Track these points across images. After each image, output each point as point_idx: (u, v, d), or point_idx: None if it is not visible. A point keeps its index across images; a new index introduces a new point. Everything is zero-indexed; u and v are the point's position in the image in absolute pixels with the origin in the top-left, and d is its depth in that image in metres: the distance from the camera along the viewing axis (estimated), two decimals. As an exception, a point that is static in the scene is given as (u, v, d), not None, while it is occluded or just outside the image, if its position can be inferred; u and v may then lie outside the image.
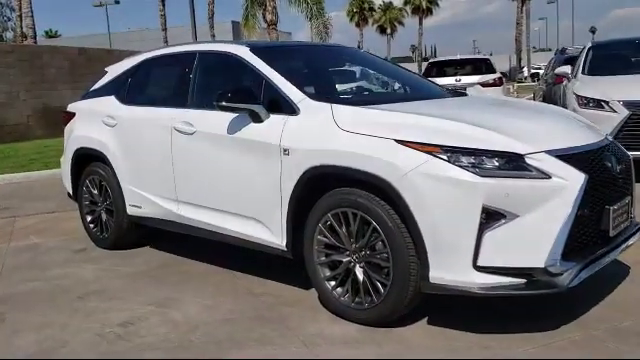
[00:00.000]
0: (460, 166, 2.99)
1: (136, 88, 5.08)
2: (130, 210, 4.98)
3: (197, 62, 4.50)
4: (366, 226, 3.33)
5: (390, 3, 62.91)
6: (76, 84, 17.93)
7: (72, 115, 5.64)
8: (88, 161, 5.40)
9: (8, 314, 3.95)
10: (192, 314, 3.80)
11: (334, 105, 3.58)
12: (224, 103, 3.80)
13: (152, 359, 3.24)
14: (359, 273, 3.41)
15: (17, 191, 9.10)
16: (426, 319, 3.46)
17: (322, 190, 3.52)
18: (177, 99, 4.55)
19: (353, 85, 4.93)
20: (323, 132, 3.50)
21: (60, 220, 6.78)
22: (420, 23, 60.96)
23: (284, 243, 3.76)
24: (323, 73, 4.67)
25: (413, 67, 53.41)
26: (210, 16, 42.06)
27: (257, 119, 3.82)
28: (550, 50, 73.60)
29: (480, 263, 2.98)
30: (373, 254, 3.34)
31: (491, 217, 2.96)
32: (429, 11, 60.72)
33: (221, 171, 4.09)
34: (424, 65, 19.48)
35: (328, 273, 3.57)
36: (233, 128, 3.96)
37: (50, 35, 66.90)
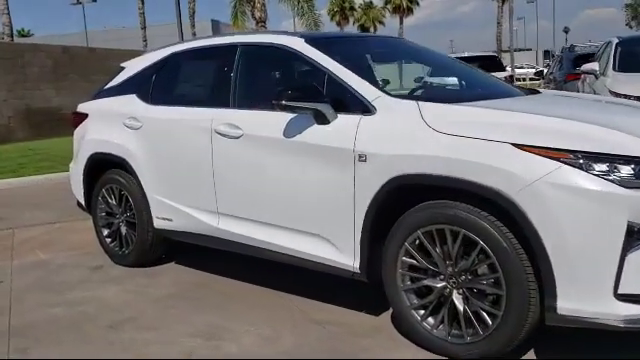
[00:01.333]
0: (597, 175, 2.51)
1: (163, 86, 4.51)
2: (157, 223, 4.41)
3: (239, 56, 3.95)
4: (469, 246, 2.83)
5: (371, 2, 62.61)
6: (60, 83, 17.19)
7: (84, 116, 5.04)
8: (105, 168, 4.82)
9: (32, 349, 3.36)
10: (249, 347, 3.27)
11: (421, 102, 3.07)
12: (286, 102, 3.27)
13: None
14: (458, 301, 2.91)
15: (11, 199, 8.42)
16: (532, 350, 2.99)
17: (409, 203, 3.01)
18: (216, 98, 4.00)
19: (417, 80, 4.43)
20: (410, 134, 2.99)
21: (65, 232, 6.17)
22: (401, 22, 60.67)
23: (357, 264, 3.24)
24: (388, 67, 4.14)
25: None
26: (191, 14, 41.35)
27: (322, 120, 3.30)
28: (530, 50, 73.99)
29: (622, 291, 2.50)
30: (477, 279, 2.85)
31: (634, 235, 2.48)
32: (409, 10, 60.49)
33: (275, 180, 3.56)
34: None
35: (415, 300, 3.06)
36: (291, 130, 3.43)
37: (22, 34, 65.16)
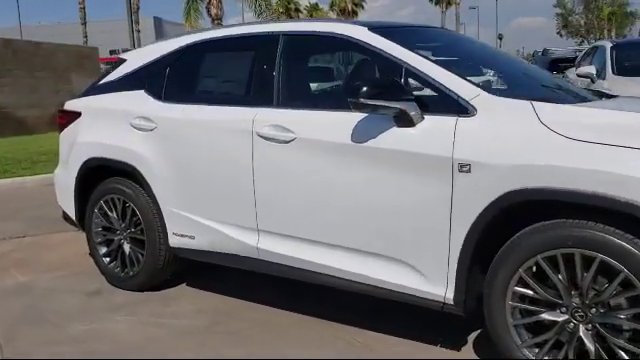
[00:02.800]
0: None
1: (181, 81, 3.87)
2: (174, 241, 3.77)
3: (283, 46, 3.37)
4: (603, 274, 2.38)
5: (316, 4, 62.41)
6: (1, 80, 15.88)
7: (74, 115, 4.32)
8: (103, 175, 4.12)
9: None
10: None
11: (536, 102, 2.60)
12: (365, 100, 2.73)
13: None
14: (587, 338, 2.45)
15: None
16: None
17: (521, 222, 2.53)
18: (254, 95, 3.43)
19: (481, 79, 3.96)
20: (528, 141, 2.52)
21: (39, 247, 5.38)
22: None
23: (449, 294, 2.74)
24: (465, 61, 3.63)
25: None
26: (135, 10, 39.89)
27: (405, 122, 2.78)
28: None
29: None
30: (613, 312, 2.40)
31: None
32: (355, 13, 60.73)
33: (340, 193, 3.01)
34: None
35: (529, 338, 2.58)
36: (362, 134, 2.90)
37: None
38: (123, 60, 4.27)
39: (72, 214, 4.36)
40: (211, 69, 3.89)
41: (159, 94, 3.86)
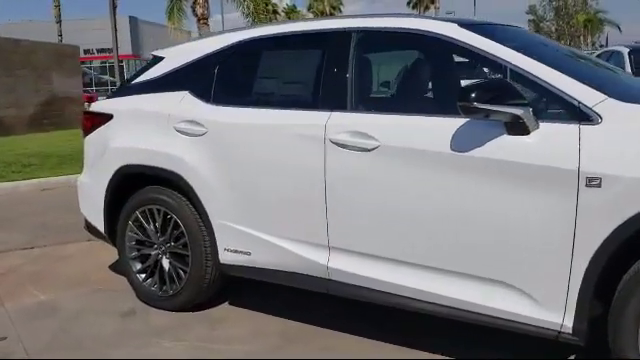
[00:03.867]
0: None
1: (233, 81, 3.52)
2: (226, 257, 3.42)
3: (356, 44, 3.06)
4: None
5: (294, 6, 62.11)
6: (-21, 79, 15.22)
7: (104, 118, 3.93)
8: (140, 184, 3.75)
9: None
10: None
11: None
12: (477, 104, 2.43)
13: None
14: None
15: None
16: None
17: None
18: (324, 98, 3.09)
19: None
20: None
21: (51, 259, 4.96)
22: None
23: (568, 322, 2.46)
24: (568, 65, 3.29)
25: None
26: (112, 9, 39.11)
27: (518, 129, 2.48)
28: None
29: None
30: None
31: None
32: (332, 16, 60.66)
33: (433, 207, 2.71)
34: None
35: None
36: (467, 142, 2.60)
37: None
38: (159, 58, 3.90)
39: (100, 225, 3.97)
40: (269, 69, 3.53)
41: (207, 96, 3.50)
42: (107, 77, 53.33)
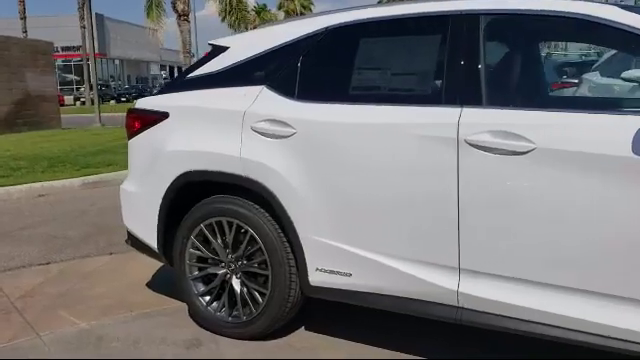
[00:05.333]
0: None
1: (325, 74, 3.04)
2: (317, 278, 2.93)
3: (486, 29, 2.61)
4: None
5: (264, 5, 61.44)
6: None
7: (157, 117, 3.39)
8: (205, 193, 3.24)
9: None
10: None
11: None
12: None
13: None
14: None
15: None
16: None
17: None
18: (449, 91, 2.63)
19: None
20: None
21: (75, 277, 4.39)
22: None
23: None
24: None
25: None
26: (80, 6, 38.07)
27: None
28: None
29: None
30: None
31: None
32: (302, 15, 60.24)
33: (611, 224, 2.27)
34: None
35: None
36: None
37: None
38: (221, 48, 3.38)
39: (152, 240, 3.43)
40: (370, 58, 3.04)
41: (290, 91, 3.01)
42: (72, 76, 51.86)
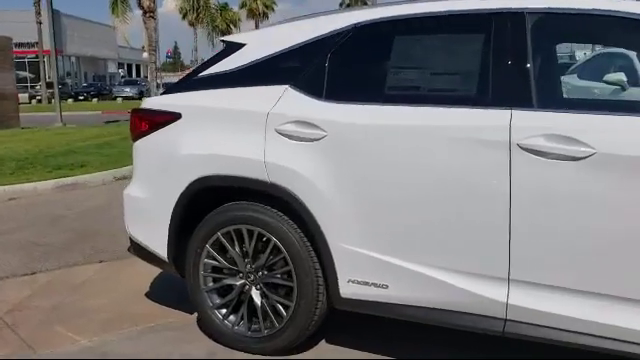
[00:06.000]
0: None
1: (356, 73, 2.87)
2: (350, 290, 2.76)
3: (533, 28, 2.49)
4: None
5: (226, 4, 60.85)
6: None
7: (168, 118, 3.17)
8: (221, 199, 3.04)
9: None
10: None
11: None
12: None
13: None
14: None
15: None
16: None
17: None
18: (497, 92, 2.50)
19: None
20: None
21: (66, 288, 4.11)
22: (256, 26, 59.82)
23: None
24: None
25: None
26: (36, 0, 36.98)
27: None
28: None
29: None
30: None
31: None
32: (265, 15, 59.93)
33: None
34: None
35: None
36: None
37: None
38: (238, 45, 3.18)
39: (161, 250, 3.20)
40: (406, 57, 2.85)
41: (318, 90, 2.83)
42: (26, 73, 50.22)
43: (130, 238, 3.45)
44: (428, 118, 2.58)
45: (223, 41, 3.31)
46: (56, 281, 4.27)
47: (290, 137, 2.81)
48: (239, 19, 58.71)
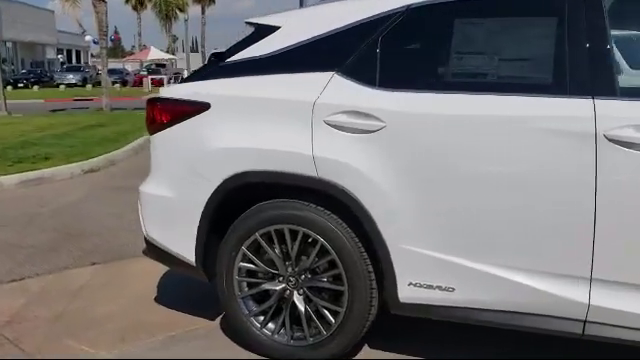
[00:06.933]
0: None
1: (415, 58, 2.66)
2: (411, 294, 2.56)
3: (615, 5, 2.34)
4: None
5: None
6: None
7: (195, 108, 2.87)
8: (256, 198, 2.78)
9: None
10: None
11: None
12: None
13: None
14: None
15: None
16: None
17: None
18: (575, 80, 2.33)
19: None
20: None
21: (63, 294, 3.77)
22: (203, 12, 58.68)
23: None
24: None
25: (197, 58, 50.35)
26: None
27: None
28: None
29: None
30: None
31: None
32: (212, 0, 58.77)
33: None
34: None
35: None
36: None
37: None
38: (271, 28, 2.90)
39: (187, 253, 2.92)
40: (470, 41, 2.61)
41: (371, 78, 2.60)
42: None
43: (147, 240, 3.15)
44: (500, 108, 2.39)
45: (250, 23, 3.03)
46: (50, 287, 3.91)
47: (342, 129, 2.58)
48: (186, 3, 57.08)
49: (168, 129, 2.96)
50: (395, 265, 2.56)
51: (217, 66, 2.99)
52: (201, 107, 2.86)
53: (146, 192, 3.08)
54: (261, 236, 2.77)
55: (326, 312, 2.73)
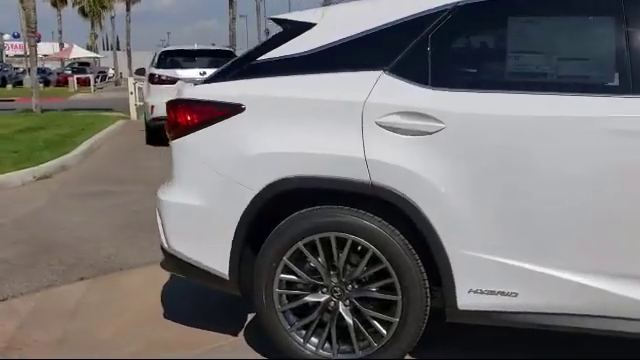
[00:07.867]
0: None
1: (471, 56, 2.57)
2: (471, 301, 2.46)
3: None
4: None
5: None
6: None
7: (226, 110, 2.67)
8: (296, 205, 2.62)
9: None
10: None
11: None
12: None
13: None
14: None
15: None
16: None
17: None
18: (635, 79, 2.31)
19: None
20: None
21: (57, 315, 3.46)
22: (128, 9, 56.74)
23: None
24: None
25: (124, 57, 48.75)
26: None
27: None
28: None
29: None
30: None
31: None
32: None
33: None
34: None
35: None
36: None
37: None
38: (305, 25, 2.73)
39: (220, 266, 2.72)
40: (528, 39, 2.50)
41: (423, 77, 2.49)
42: None
43: (168, 253, 2.91)
44: (566, 108, 2.33)
45: (279, 20, 2.85)
46: (42, 307, 3.58)
47: (397, 131, 2.45)
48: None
49: (195, 133, 2.74)
50: (454, 272, 2.46)
51: (247, 65, 2.79)
52: (234, 109, 2.66)
53: (169, 201, 2.84)
54: (304, 246, 2.61)
55: (376, 323, 2.60)
